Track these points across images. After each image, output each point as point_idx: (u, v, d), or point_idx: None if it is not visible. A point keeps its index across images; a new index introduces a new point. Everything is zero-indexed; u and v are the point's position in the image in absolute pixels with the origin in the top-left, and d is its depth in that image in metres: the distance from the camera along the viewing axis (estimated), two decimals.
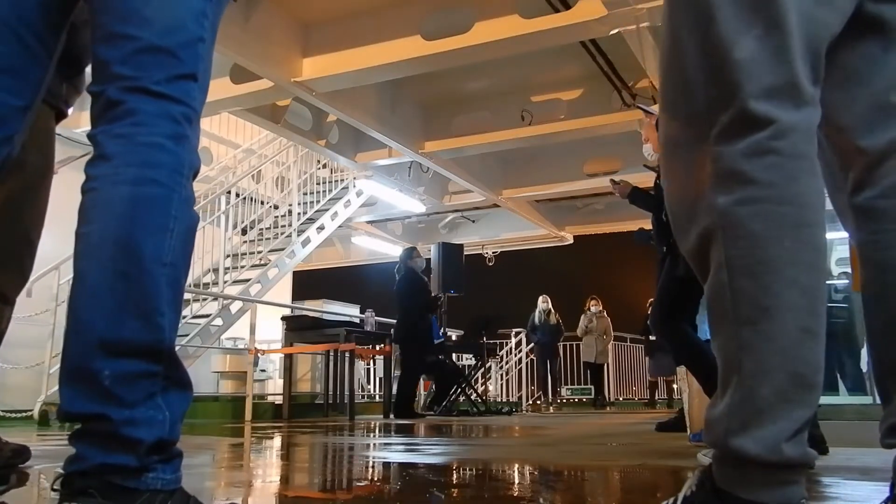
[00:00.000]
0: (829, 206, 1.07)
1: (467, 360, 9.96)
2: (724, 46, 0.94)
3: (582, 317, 11.97)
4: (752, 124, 0.92)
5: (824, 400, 4.15)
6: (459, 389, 7.99)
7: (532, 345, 11.85)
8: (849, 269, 6.12)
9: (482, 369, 9.06)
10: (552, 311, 11.60)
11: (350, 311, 9.47)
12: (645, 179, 3.85)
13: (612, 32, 5.56)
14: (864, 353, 5.97)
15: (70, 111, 2.10)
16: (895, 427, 0.98)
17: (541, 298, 11.65)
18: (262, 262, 8.41)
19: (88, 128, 1.09)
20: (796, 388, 0.89)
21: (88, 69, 1.44)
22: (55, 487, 0.99)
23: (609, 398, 12.67)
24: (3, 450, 2.07)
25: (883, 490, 1.02)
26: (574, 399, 12.67)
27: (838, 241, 5.61)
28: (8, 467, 1.98)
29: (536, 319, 11.54)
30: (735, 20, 0.94)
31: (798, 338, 0.90)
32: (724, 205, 0.93)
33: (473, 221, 12.15)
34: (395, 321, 7.84)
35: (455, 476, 2.18)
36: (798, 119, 0.93)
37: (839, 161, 1.06)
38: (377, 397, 9.48)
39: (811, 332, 0.90)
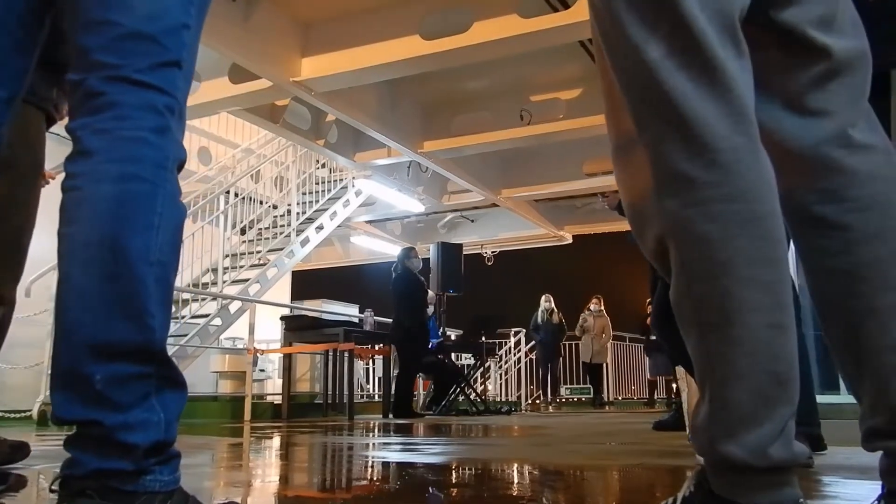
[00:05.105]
0: None
1: (467, 359, 9.96)
2: (636, 49, 0.93)
3: (581, 315, 11.96)
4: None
5: (824, 399, 4.15)
6: (458, 389, 7.99)
7: (533, 344, 11.83)
8: None
9: (481, 369, 9.06)
10: (555, 310, 11.56)
11: (349, 311, 9.46)
12: None
13: None
14: None
15: (63, 114, 2.09)
16: (873, 431, 0.97)
17: (543, 298, 11.59)
18: (261, 261, 8.41)
19: None
20: (774, 387, 0.87)
21: None
22: (53, 488, 0.97)
23: (608, 398, 12.66)
24: (2, 446, 2.07)
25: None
26: (573, 399, 12.67)
27: None
28: (8, 463, 1.97)
29: (539, 319, 11.50)
30: (639, 25, 0.93)
31: (767, 336, 0.88)
32: (672, 208, 0.91)
33: (472, 221, 12.14)
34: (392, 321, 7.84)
35: (455, 476, 2.18)
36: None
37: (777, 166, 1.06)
38: (376, 397, 9.47)
39: (780, 327, 0.88)
